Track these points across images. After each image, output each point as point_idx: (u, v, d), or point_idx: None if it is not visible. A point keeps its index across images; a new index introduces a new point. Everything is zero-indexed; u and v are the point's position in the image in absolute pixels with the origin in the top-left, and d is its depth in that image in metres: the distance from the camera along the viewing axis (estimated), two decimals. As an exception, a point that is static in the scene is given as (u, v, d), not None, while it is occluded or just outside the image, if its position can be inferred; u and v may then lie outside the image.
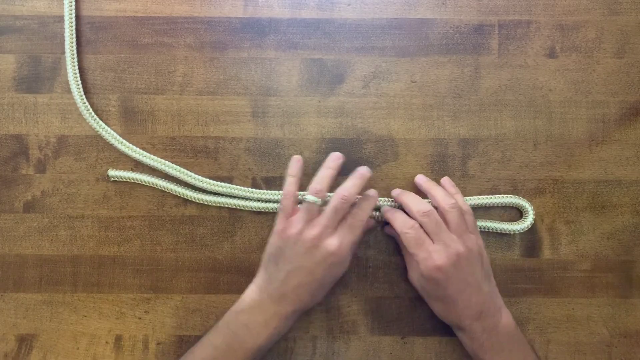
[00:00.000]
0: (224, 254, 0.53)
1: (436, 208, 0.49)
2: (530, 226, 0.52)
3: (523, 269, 0.53)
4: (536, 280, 0.53)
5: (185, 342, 0.53)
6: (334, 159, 0.50)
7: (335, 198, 0.48)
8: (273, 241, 0.49)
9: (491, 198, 0.52)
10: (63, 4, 0.54)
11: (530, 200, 0.53)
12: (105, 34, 0.54)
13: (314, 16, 0.54)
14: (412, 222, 0.48)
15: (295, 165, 0.50)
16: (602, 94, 0.53)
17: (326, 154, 0.53)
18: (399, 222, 0.49)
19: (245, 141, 0.54)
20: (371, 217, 0.52)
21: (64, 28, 0.53)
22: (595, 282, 0.53)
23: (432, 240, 0.48)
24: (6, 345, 0.53)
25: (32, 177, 0.54)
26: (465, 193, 0.53)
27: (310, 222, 0.48)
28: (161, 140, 0.54)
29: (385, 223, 0.52)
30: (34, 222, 0.54)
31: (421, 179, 0.52)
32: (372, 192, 0.50)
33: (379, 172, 0.53)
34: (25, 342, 0.53)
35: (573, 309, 0.53)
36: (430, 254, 0.47)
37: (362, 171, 0.49)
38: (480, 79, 0.54)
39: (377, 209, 0.52)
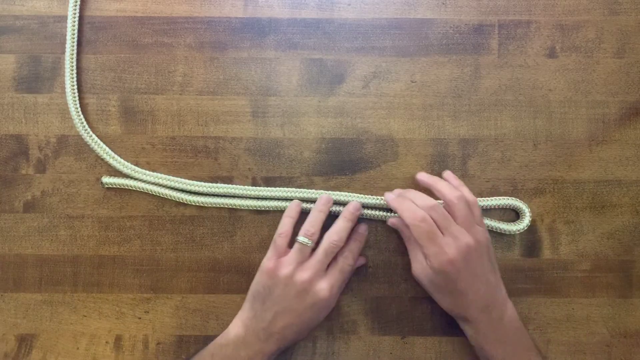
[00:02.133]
0: (224, 254, 0.53)
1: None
2: (527, 227, 0.52)
3: (523, 269, 0.53)
4: (536, 280, 0.53)
5: (185, 342, 0.53)
6: (324, 203, 0.51)
7: (326, 241, 0.49)
8: (261, 279, 0.49)
9: (488, 200, 0.52)
10: (63, 4, 0.54)
11: (530, 200, 0.53)
12: (105, 34, 0.54)
13: (314, 16, 0.54)
14: (423, 213, 0.47)
15: (294, 208, 0.51)
16: (602, 94, 0.53)
17: (326, 153, 0.53)
18: (409, 213, 0.47)
19: (245, 141, 0.54)
20: (375, 217, 0.52)
21: (63, 28, 0.53)
22: (595, 282, 0.53)
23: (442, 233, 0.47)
24: (6, 345, 0.53)
25: (32, 177, 0.54)
26: (465, 193, 0.53)
27: (301, 264, 0.48)
28: (161, 140, 0.54)
29: (388, 210, 0.52)
30: (34, 222, 0.54)
31: (423, 175, 0.51)
32: (362, 228, 0.51)
33: (379, 172, 0.53)
34: (25, 342, 0.53)
35: (573, 309, 0.53)
36: (442, 248, 0.46)
37: (355, 212, 0.50)
38: (480, 79, 0.54)
39: (369, 208, 0.52)
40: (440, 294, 0.49)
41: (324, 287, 0.48)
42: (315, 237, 0.49)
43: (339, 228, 0.49)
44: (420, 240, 0.47)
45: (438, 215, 0.47)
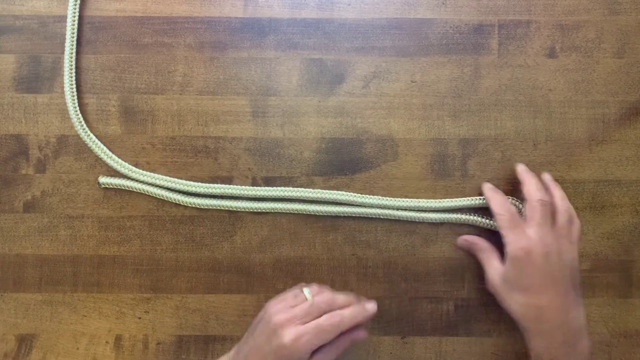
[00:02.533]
0: (224, 254, 0.53)
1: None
2: None
3: (523, 269, 0.53)
4: (536, 280, 0.53)
5: (185, 342, 0.53)
6: (340, 303, 0.46)
7: (320, 296, 0.45)
8: (262, 310, 0.47)
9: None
10: (63, 4, 0.54)
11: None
12: (105, 34, 0.54)
13: (314, 16, 0.54)
14: (511, 207, 0.48)
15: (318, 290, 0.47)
16: (602, 94, 0.53)
17: (326, 153, 0.53)
18: (498, 202, 0.49)
19: (245, 141, 0.54)
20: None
21: (63, 28, 0.53)
22: (595, 282, 0.53)
23: (533, 227, 0.47)
24: (6, 345, 0.53)
25: (32, 177, 0.54)
26: (465, 193, 0.53)
27: (287, 309, 0.45)
28: (161, 140, 0.54)
29: (393, 209, 0.52)
30: (34, 222, 0.54)
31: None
32: (370, 306, 0.46)
33: (379, 172, 0.53)
34: (25, 342, 0.53)
35: (573, 309, 0.53)
36: (523, 233, 0.46)
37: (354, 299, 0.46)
38: (480, 79, 0.54)
39: (371, 207, 0.52)
40: (513, 291, 0.47)
41: (291, 333, 0.43)
42: (317, 297, 0.45)
43: (341, 297, 0.46)
44: (501, 228, 0.47)
45: (542, 210, 0.47)
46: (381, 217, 0.52)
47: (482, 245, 0.50)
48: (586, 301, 0.52)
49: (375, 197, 0.52)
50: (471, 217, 0.52)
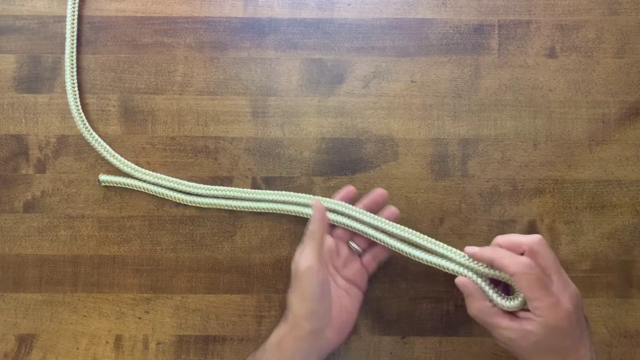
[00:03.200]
0: (224, 254, 0.53)
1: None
2: (521, 305, 0.44)
3: (523, 269, 0.53)
4: (536, 280, 0.53)
5: (185, 342, 0.53)
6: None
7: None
8: None
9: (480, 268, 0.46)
10: (63, 3, 0.54)
11: (530, 200, 0.53)
12: (105, 34, 0.54)
13: (314, 16, 0.54)
14: (528, 260, 0.41)
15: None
16: (602, 94, 0.53)
17: (326, 153, 0.53)
18: (513, 261, 0.42)
19: (245, 141, 0.54)
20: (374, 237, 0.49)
21: (63, 28, 0.53)
22: (595, 282, 0.53)
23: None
24: (6, 345, 0.53)
25: (32, 177, 0.54)
26: (465, 193, 0.53)
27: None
28: (161, 140, 0.54)
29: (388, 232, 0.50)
30: (34, 222, 0.54)
31: (473, 249, 0.45)
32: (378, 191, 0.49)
33: (379, 172, 0.53)
34: (25, 342, 0.53)
35: (573, 309, 0.53)
36: (558, 298, 0.41)
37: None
38: (480, 79, 0.54)
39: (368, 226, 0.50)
40: (545, 356, 0.42)
41: (296, 252, 0.47)
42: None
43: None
44: (531, 291, 0.41)
45: (544, 258, 0.42)
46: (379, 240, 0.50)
47: (479, 298, 0.45)
48: (586, 301, 0.53)
49: (381, 220, 0.49)
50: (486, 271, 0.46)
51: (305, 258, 0.45)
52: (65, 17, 0.53)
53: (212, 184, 0.53)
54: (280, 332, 0.46)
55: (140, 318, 0.53)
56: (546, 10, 0.54)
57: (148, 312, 0.53)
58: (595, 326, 0.52)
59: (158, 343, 0.53)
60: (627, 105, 0.53)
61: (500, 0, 0.54)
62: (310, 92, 0.54)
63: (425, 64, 0.54)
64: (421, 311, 0.53)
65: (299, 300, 0.46)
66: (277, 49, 0.54)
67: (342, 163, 0.53)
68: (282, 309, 0.52)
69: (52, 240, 0.53)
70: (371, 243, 0.50)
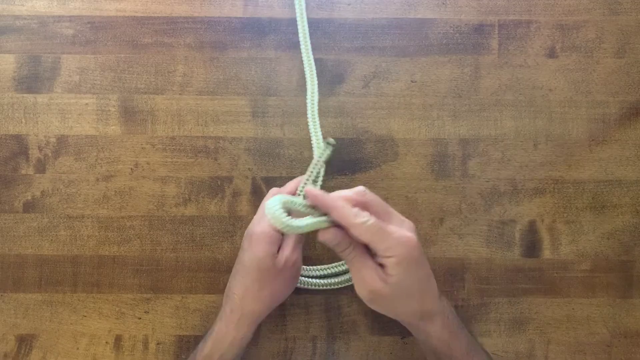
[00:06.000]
0: (224, 254, 0.53)
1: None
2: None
3: (523, 269, 0.53)
4: (536, 280, 0.53)
5: (185, 342, 0.53)
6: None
7: None
8: None
9: None
10: (63, 3, 0.54)
11: (530, 200, 0.53)
12: (105, 34, 0.54)
13: (314, 16, 0.54)
14: (358, 210, 0.42)
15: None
16: (602, 94, 0.53)
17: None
18: (347, 211, 0.41)
19: (245, 141, 0.54)
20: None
21: (63, 28, 0.54)
22: (595, 282, 0.53)
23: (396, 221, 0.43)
24: (6, 345, 0.53)
25: (32, 177, 0.54)
26: (465, 193, 0.53)
27: None
28: (161, 140, 0.54)
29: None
30: (34, 222, 0.54)
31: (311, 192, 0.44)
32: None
33: (379, 172, 0.53)
34: (25, 342, 0.53)
35: (573, 309, 0.53)
36: (401, 235, 0.41)
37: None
38: (480, 79, 0.54)
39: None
40: (408, 296, 0.43)
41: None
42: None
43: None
44: (372, 238, 0.41)
45: (375, 198, 0.43)
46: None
47: (345, 246, 0.43)
48: (586, 301, 0.53)
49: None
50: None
51: (260, 225, 0.46)
52: (65, 17, 0.53)
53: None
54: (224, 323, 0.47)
55: (140, 318, 0.53)
56: (546, 10, 0.54)
57: (148, 312, 0.53)
58: (595, 326, 0.52)
59: (158, 343, 0.53)
60: (627, 105, 0.53)
61: (500, 0, 0.54)
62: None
63: (425, 64, 0.54)
64: (421, 311, 0.53)
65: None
66: (277, 49, 0.54)
67: (342, 163, 0.53)
68: (282, 309, 0.53)
69: (52, 240, 0.53)
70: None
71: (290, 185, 0.50)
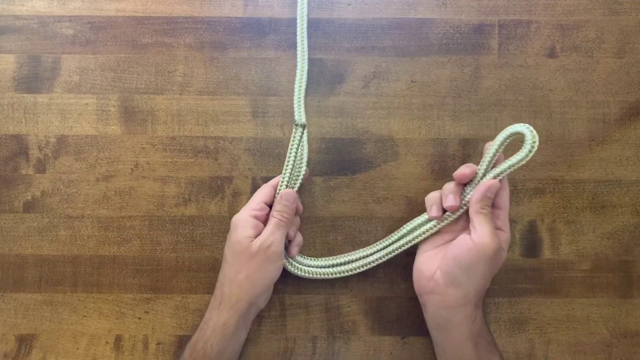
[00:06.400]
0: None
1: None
2: (529, 155, 0.46)
3: (523, 269, 0.53)
4: (536, 280, 0.53)
5: (185, 342, 0.53)
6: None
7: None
8: None
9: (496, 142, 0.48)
10: (63, 3, 0.54)
11: (530, 200, 0.53)
12: (105, 34, 0.54)
13: (314, 16, 0.54)
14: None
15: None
16: (602, 94, 0.53)
17: (326, 153, 0.53)
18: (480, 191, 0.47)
19: (245, 141, 0.54)
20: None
21: (63, 28, 0.53)
22: (595, 282, 0.53)
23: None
24: (6, 345, 0.53)
25: (32, 177, 0.54)
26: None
27: None
28: (161, 140, 0.54)
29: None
30: (34, 222, 0.54)
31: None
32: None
33: (379, 172, 0.53)
34: (25, 342, 0.53)
35: (573, 309, 0.53)
36: (507, 223, 0.48)
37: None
38: (480, 79, 0.54)
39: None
40: (489, 274, 0.46)
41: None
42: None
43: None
44: (486, 224, 0.46)
45: (501, 199, 0.48)
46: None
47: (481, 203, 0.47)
48: (586, 301, 0.53)
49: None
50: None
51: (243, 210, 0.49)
52: (65, 17, 0.53)
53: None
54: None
55: (140, 318, 0.53)
56: (546, 10, 0.54)
57: (148, 312, 0.53)
58: (595, 326, 0.52)
59: (158, 343, 0.53)
60: (627, 105, 0.53)
61: (501, 0, 0.54)
62: (311, 92, 0.54)
63: (425, 64, 0.54)
64: (421, 311, 0.53)
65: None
66: (277, 49, 0.54)
67: (342, 163, 0.53)
68: (282, 309, 0.53)
69: (52, 240, 0.53)
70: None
71: (277, 177, 0.51)
